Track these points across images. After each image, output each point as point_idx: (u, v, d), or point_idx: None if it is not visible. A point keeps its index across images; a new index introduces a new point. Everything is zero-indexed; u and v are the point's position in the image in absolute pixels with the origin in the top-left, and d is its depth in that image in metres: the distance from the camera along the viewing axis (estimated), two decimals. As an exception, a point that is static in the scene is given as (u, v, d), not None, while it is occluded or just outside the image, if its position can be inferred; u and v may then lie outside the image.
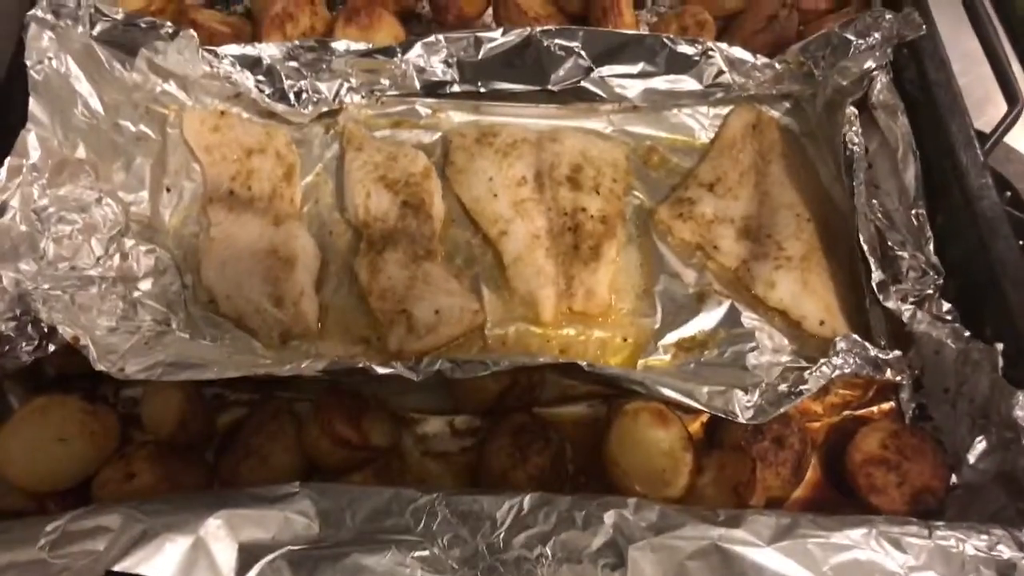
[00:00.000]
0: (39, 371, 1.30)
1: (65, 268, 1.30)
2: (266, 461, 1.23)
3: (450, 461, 1.32)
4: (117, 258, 1.37)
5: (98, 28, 1.42)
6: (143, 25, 1.44)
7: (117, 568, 0.97)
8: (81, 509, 1.04)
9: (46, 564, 0.98)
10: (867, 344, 1.28)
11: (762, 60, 1.55)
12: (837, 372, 1.25)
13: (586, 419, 1.35)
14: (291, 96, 1.54)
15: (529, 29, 1.52)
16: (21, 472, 1.20)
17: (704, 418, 1.35)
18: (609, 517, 1.08)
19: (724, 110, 1.62)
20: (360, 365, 1.18)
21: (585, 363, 1.19)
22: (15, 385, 1.29)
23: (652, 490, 1.20)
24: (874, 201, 1.43)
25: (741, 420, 1.20)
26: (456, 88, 1.57)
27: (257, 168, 1.51)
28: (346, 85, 1.56)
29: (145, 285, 1.39)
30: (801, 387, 1.22)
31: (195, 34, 1.45)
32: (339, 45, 1.52)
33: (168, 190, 1.51)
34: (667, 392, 1.20)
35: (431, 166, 1.54)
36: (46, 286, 1.25)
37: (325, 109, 1.57)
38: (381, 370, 1.19)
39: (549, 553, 1.07)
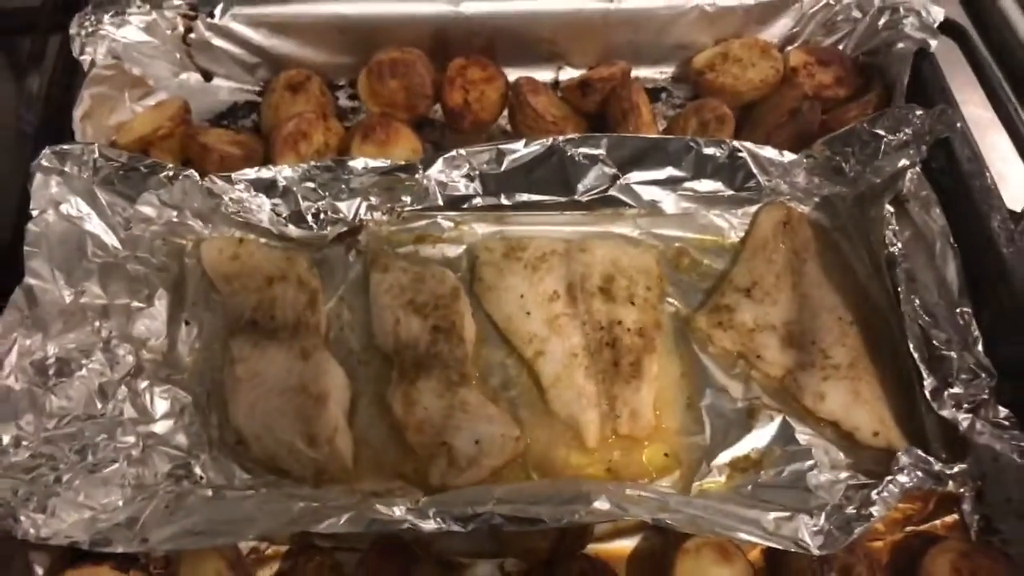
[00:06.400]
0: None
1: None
2: (312, 627, 1.17)
3: (508, 611, 1.26)
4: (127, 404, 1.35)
5: (102, 173, 1.39)
6: (143, 169, 1.41)
7: None
8: None
9: None
10: (930, 459, 1.23)
11: (789, 157, 1.52)
12: (901, 489, 1.20)
13: (642, 553, 1.29)
14: (309, 217, 1.49)
15: (552, 139, 1.48)
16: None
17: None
18: None
19: (753, 208, 1.58)
20: (406, 526, 1.13)
21: (650, 517, 1.13)
22: (41, 555, 1.21)
23: (726, 637, 1.14)
24: (913, 297, 1.38)
25: (814, 552, 1.14)
26: (479, 201, 1.53)
27: (279, 296, 1.46)
28: (365, 204, 1.51)
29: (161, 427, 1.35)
30: (870, 509, 1.18)
31: (196, 175, 1.42)
32: (357, 164, 1.47)
33: (187, 323, 1.46)
34: (742, 535, 1.15)
35: (459, 286, 1.48)
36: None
37: (345, 228, 1.51)
38: (427, 526, 1.13)
39: None
